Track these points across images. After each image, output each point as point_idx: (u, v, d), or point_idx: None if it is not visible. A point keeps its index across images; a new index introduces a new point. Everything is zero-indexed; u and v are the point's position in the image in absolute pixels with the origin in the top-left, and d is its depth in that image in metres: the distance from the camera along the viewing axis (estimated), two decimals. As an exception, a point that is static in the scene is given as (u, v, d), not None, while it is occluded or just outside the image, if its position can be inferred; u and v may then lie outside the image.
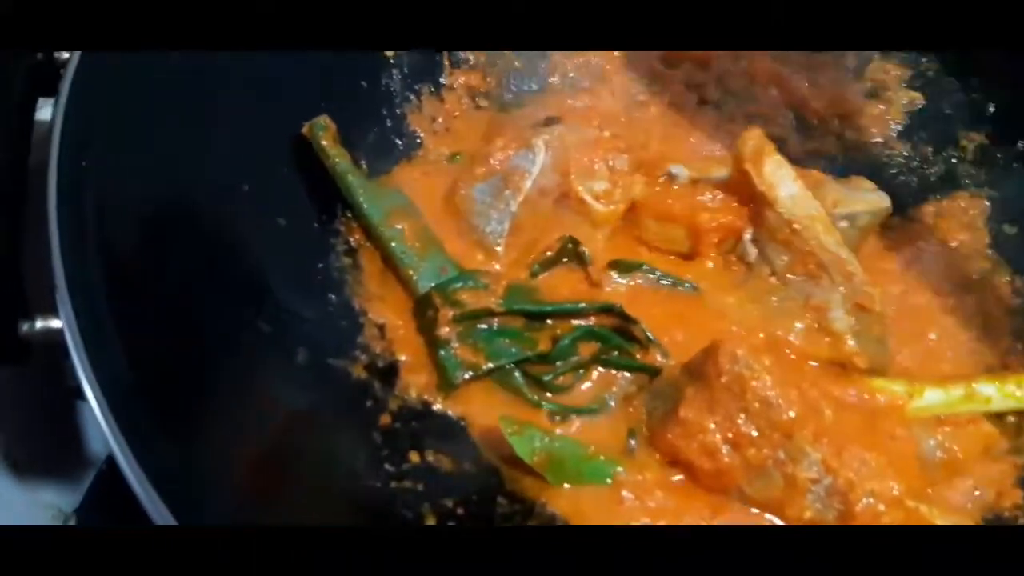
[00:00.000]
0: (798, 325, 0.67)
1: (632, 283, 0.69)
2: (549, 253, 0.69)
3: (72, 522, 0.78)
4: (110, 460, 0.73)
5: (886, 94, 0.83)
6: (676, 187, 0.72)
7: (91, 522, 0.67)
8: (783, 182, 0.66)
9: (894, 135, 0.82)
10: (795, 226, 0.66)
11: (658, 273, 0.70)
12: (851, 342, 0.66)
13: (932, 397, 0.63)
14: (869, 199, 0.71)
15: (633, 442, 0.62)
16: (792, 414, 0.58)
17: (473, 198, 0.71)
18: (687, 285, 0.69)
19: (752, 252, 0.69)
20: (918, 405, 0.63)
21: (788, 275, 0.68)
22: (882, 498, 0.58)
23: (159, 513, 0.42)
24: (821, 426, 0.58)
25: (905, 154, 0.81)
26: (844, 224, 0.68)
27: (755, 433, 0.58)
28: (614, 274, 0.69)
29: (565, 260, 0.70)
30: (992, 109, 0.79)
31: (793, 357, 0.65)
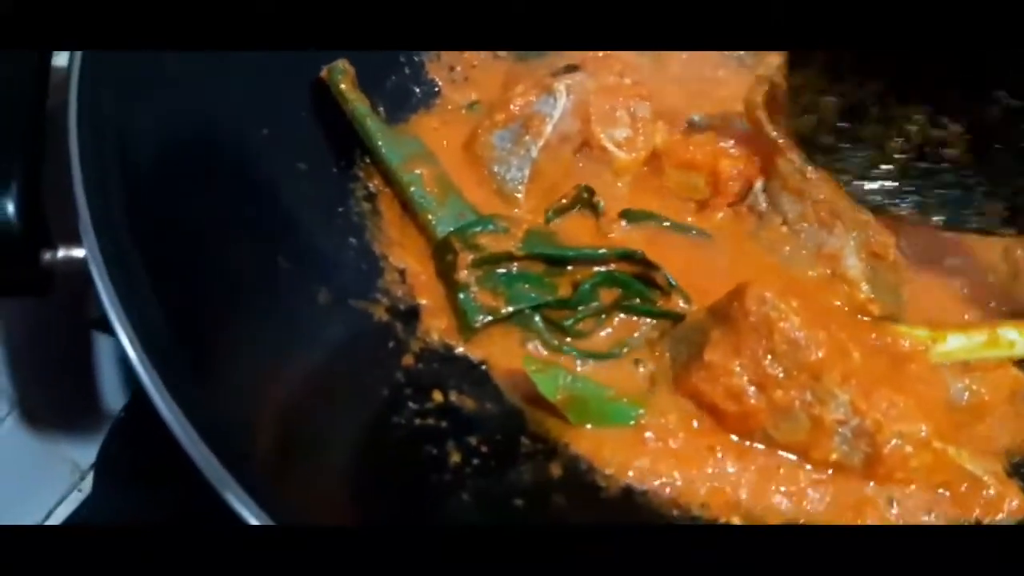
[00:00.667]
0: (811, 273, 0.67)
1: (646, 231, 0.69)
2: (564, 200, 0.69)
3: (87, 479, 0.78)
4: (126, 410, 0.74)
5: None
6: (697, 135, 0.72)
7: (108, 475, 0.66)
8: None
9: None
10: (807, 174, 0.66)
11: (670, 222, 0.69)
12: (865, 288, 0.65)
13: (955, 342, 0.63)
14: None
15: (656, 387, 0.61)
16: (820, 355, 0.57)
17: (493, 145, 0.70)
18: (699, 233, 0.69)
19: (763, 201, 0.69)
20: (941, 350, 0.62)
21: (801, 224, 0.67)
22: (910, 440, 0.57)
23: (190, 440, 0.41)
24: (849, 368, 0.58)
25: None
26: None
27: (782, 375, 0.57)
28: (624, 223, 0.69)
29: (578, 208, 0.69)
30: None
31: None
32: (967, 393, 0.62)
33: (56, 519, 0.77)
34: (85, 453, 0.76)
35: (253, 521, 0.40)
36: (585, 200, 0.69)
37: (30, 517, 0.77)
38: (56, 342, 0.71)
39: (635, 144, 0.72)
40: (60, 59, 0.55)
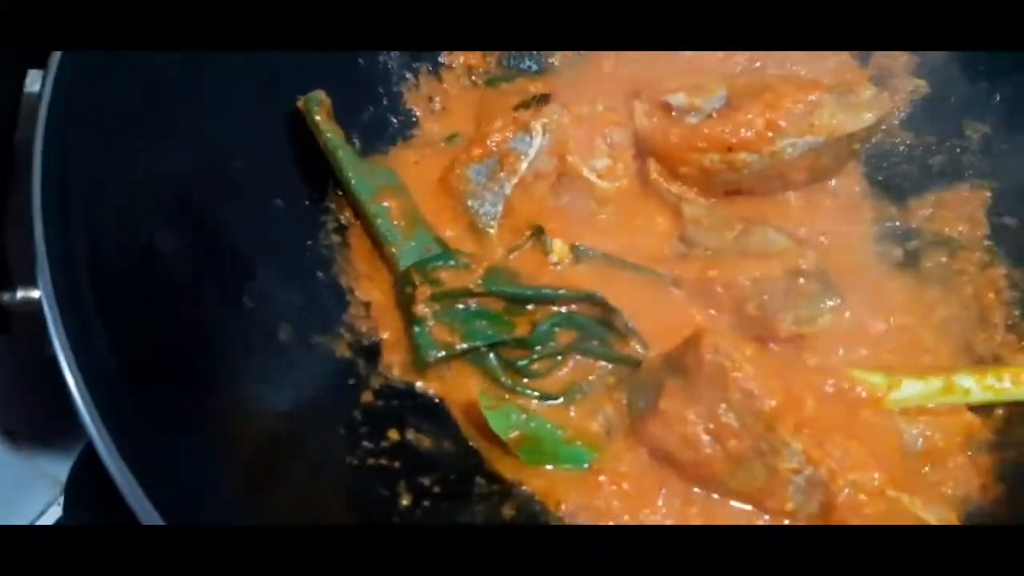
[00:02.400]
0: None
1: (597, 268, 0.69)
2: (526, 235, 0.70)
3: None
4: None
5: (892, 81, 0.82)
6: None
7: (79, 496, 0.67)
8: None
9: (897, 123, 0.80)
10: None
11: (623, 261, 0.69)
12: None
13: (911, 389, 0.63)
14: (865, 118, 0.71)
15: (611, 433, 0.62)
16: (773, 404, 0.57)
17: (468, 178, 0.70)
18: (650, 272, 0.69)
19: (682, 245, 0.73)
20: (897, 396, 0.62)
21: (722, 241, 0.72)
22: (863, 488, 0.57)
23: (134, 497, 0.42)
24: (803, 417, 0.58)
25: (908, 143, 0.79)
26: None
27: (736, 424, 0.58)
28: (573, 258, 0.69)
29: (531, 243, 0.70)
30: (998, 99, 0.78)
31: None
32: (921, 439, 0.62)
33: (36, 531, 0.79)
34: (66, 469, 0.77)
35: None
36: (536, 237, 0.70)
37: (10, 529, 0.79)
38: (31, 370, 0.72)
39: (615, 172, 0.73)
40: (33, 85, 0.55)
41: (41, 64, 0.53)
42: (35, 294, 0.47)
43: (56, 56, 0.53)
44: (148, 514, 0.41)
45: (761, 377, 0.58)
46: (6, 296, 0.49)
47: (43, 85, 0.52)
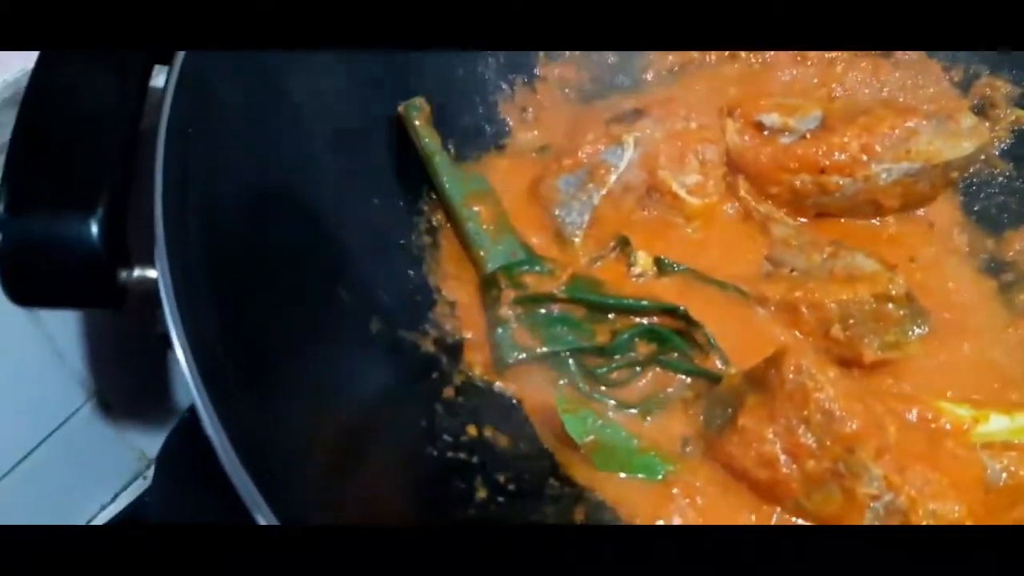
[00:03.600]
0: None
1: (679, 282, 0.70)
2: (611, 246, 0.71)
3: (151, 468, 0.83)
4: (192, 410, 0.78)
5: (993, 111, 0.80)
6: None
7: (168, 470, 0.71)
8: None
9: (997, 153, 0.79)
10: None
11: (705, 277, 0.69)
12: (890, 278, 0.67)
13: (998, 423, 0.61)
14: (964, 147, 0.71)
15: (688, 448, 0.62)
16: (854, 427, 0.57)
17: (557, 188, 0.72)
18: (735, 289, 0.69)
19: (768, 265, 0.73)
20: (983, 430, 0.61)
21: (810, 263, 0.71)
22: (943, 519, 0.56)
23: (231, 464, 0.44)
24: (884, 442, 0.57)
25: (1007, 174, 0.78)
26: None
27: (815, 445, 0.57)
28: (655, 271, 0.70)
29: (615, 254, 0.71)
30: (1103, 134, 0.76)
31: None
32: (1005, 474, 0.61)
33: (120, 503, 0.83)
34: (153, 444, 0.80)
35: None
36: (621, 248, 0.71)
37: (96, 499, 0.83)
38: (135, 339, 0.76)
39: (706, 189, 0.73)
40: (157, 80, 0.59)
41: (166, 61, 0.58)
42: (152, 273, 0.51)
43: (180, 55, 0.57)
44: (243, 483, 0.44)
45: (843, 399, 0.57)
46: (123, 274, 0.52)
47: (167, 80, 0.56)
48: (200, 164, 0.54)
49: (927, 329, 0.66)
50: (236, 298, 0.52)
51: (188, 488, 0.71)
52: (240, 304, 0.52)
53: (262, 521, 0.43)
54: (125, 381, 0.79)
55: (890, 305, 0.66)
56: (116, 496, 0.84)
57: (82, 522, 0.82)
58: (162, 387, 0.81)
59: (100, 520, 0.82)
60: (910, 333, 0.66)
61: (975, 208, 0.77)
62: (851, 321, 0.66)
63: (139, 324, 0.72)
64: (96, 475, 0.82)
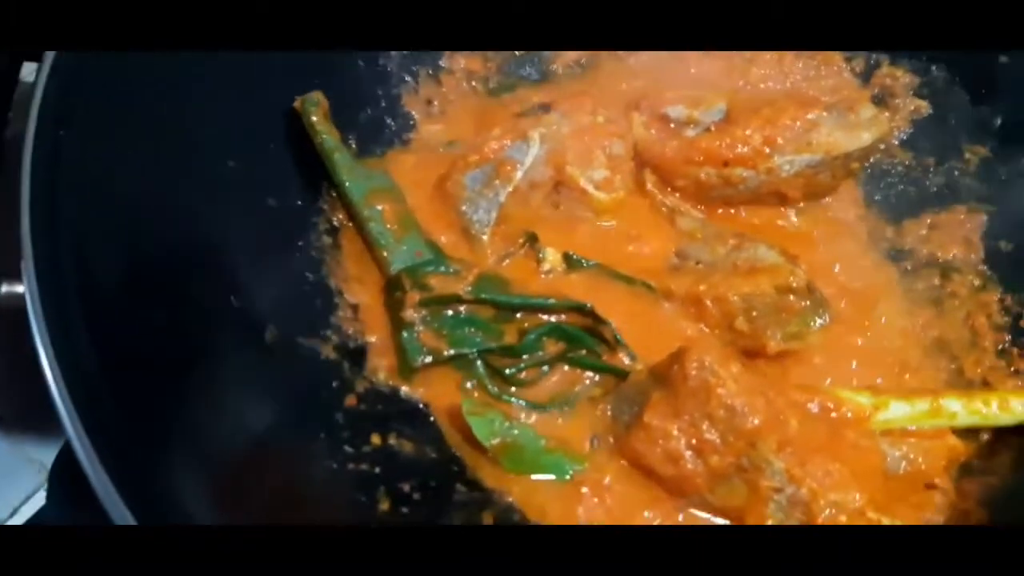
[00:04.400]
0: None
1: (588, 278, 0.69)
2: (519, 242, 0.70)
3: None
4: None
5: (893, 100, 0.81)
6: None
7: (63, 485, 0.67)
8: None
9: (896, 143, 0.80)
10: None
11: (613, 272, 0.69)
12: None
13: (897, 410, 0.62)
14: (863, 138, 0.71)
15: (595, 442, 0.62)
16: (756, 422, 0.57)
17: (464, 185, 0.70)
18: (642, 285, 0.68)
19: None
20: (883, 417, 0.62)
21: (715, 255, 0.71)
22: (844, 509, 0.57)
23: (108, 497, 0.42)
24: (786, 436, 0.57)
25: (907, 163, 0.79)
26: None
27: (718, 440, 0.57)
28: (564, 267, 0.69)
29: (524, 251, 0.70)
30: (999, 122, 0.77)
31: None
32: (904, 462, 0.62)
33: (21, 516, 0.79)
34: (52, 455, 0.77)
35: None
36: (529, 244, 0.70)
37: (-6, 513, 0.79)
38: (21, 351, 0.72)
39: (613, 184, 0.72)
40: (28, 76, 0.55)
41: (36, 58, 0.53)
42: (19, 288, 0.48)
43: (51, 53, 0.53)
44: (122, 515, 0.41)
45: (745, 394, 0.57)
46: (-10, 289, 0.49)
47: (37, 79, 0.52)
48: (72, 170, 0.51)
49: (828, 319, 0.67)
50: (113, 312, 0.49)
51: (82, 503, 0.67)
52: (117, 317, 0.49)
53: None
54: (15, 394, 0.75)
55: (791, 296, 0.66)
56: (16, 510, 0.80)
57: (-22, 538, 0.78)
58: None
59: (-2, 536, 0.78)
60: (812, 324, 0.66)
61: (876, 197, 0.78)
62: (754, 313, 0.66)
63: (16, 338, 0.68)
64: (-7, 488, 0.78)
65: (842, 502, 0.57)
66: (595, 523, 0.59)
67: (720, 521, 0.59)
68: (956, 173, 0.78)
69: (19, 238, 0.47)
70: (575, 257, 0.69)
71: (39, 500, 0.80)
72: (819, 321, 0.66)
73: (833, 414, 0.62)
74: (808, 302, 0.66)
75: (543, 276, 0.68)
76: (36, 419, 0.78)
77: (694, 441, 0.58)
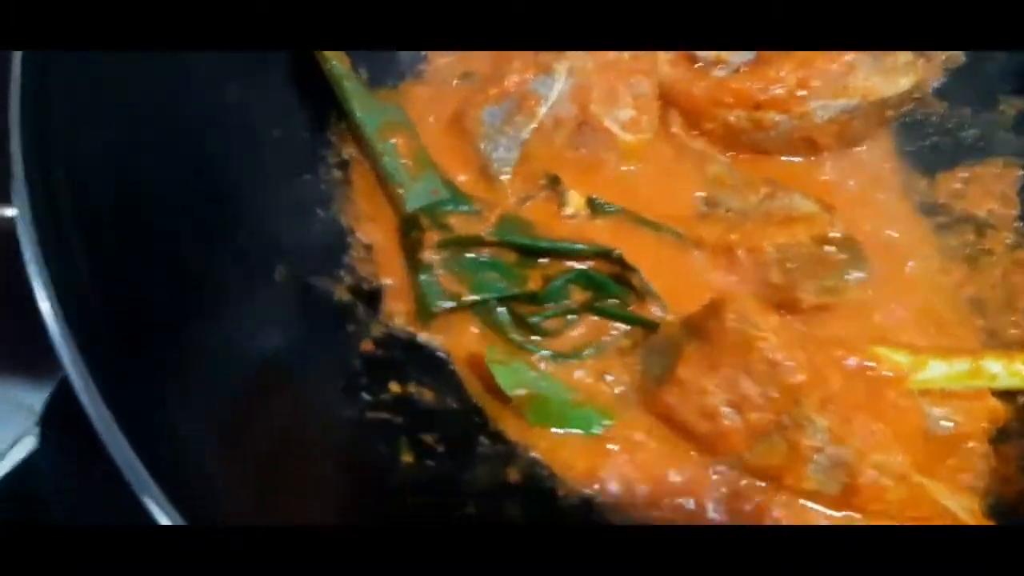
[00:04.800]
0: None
1: (612, 224, 0.64)
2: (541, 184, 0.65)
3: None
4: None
5: (928, 50, 0.77)
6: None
7: (54, 430, 0.63)
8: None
9: (931, 93, 0.76)
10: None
11: (640, 217, 0.65)
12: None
13: (936, 369, 0.59)
14: (900, 84, 0.68)
15: (625, 399, 0.58)
16: (799, 378, 0.54)
17: (482, 121, 0.65)
18: (671, 231, 0.64)
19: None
20: (922, 377, 0.59)
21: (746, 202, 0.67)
22: (888, 471, 0.54)
23: (114, 442, 0.38)
24: (828, 393, 0.54)
25: (941, 113, 0.75)
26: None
27: (758, 396, 0.54)
28: (587, 212, 0.65)
29: (545, 194, 0.65)
30: (1037, 74, 0.74)
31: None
32: (945, 424, 0.59)
33: (8, 462, 0.75)
34: (41, 398, 0.72)
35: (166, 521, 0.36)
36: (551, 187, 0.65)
37: (-19, 459, 0.74)
38: (7, 288, 0.67)
39: (640, 125, 0.67)
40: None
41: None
42: (8, 212, 0.42)
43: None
44: (124, 455, 0.37)
45: (787, 348, 0.54)
46: (-25, 212, 0.44)
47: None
48: (64, 89, 0.46)
49: (866, 273, 0.63)
50: (111, 242, 0.44)
51: (74, 450, 0.63)
52: (116, 248, 0.44)
53: (151, 506, 0.36)
54: (2, 331, 0.70)
55: (829, 248, 0.63)
56: (3, 454, 0.76)
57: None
58: (42, 338, 0.72)
59: (-12, 480, 0.74)
60: (848, 277, 0.63)
61: (908, 149, 0.75)
62: (789, 265, 0.63)
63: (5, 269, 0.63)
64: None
65: (886, 463, 0.54)
66: (623, 480, 0.55)
67: (746, 481, 0.56)
68: (992, 125, 0.74)
69: (8, 157, 0.42)
70: (599, 201, 0.65)
71: (27, 444, 0.75)
72: (857, 275, 0.63)
73: (870, 373, 0.59)
74: (846, 255, 0.63)
75: (566, 220, 0.64)
76: (25, 360, 0.73)
77: (732, 397, 0.54)
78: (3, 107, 0.43)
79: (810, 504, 0.56)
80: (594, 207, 0.65)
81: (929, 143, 0.74)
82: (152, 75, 0.50)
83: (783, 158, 0.72)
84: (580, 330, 0.60)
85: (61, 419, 0.68)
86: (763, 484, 0.56)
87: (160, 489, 0.36)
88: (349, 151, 0.64)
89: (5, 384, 0.73)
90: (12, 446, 0.76)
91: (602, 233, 0.63)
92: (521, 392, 0.55)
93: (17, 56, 0.44)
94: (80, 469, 0.62)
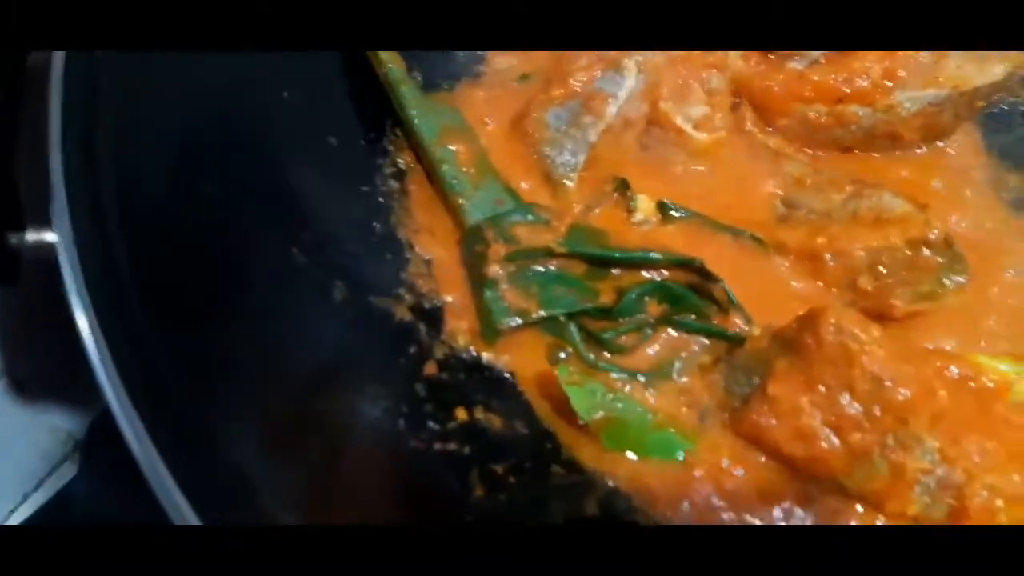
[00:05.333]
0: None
1: (687, 230, 0.60)
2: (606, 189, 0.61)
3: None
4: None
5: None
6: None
7: (95, 459, 0.59)
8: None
9: (1018, 80, 0.70)
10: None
11: (716, 223, 0.60)
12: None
13: (1044, 378, 0.54)
14: (995, 72, 0.62)
15: (708, 422, 0.54)
16: (907, 394, 0.49)
17: (546, 124, 0.61)
18: (750, 236, 0.60)
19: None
20: (1024, 388, 0.53)
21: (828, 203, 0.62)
22: (1001, 493, 0.49)
23: (161, 487, 0.34)
24: (938, 410, 0.49)
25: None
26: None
27: (862, 416, 0.49)
28: (658, 217, 0.60)
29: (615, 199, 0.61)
30: None
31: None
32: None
33: (48, 491, 0.72)
34: (79, 424, 0.69)
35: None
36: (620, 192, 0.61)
37: (19, 487, 0.72)
38: (47, 308, 0.64)
39: (713, 122, 0.63)
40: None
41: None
42: (49, 237, 0.39)
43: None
44: (167, 492, 0.33)
45: (892, 362, 0.49)
46: (14, 239, 0.40)
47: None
48: (110, 99, 0.42)
49: (966, 278, 0.58)
50: (160, 263, 0.41)
51: (116, 480, 0.60)
52: (165, 270, 0.41)
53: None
54: (38, 357, 0.67)
55: (926, 251, 0.58)
56: (41, 483, 0.73)
57: (3, 514, 0.71)
58: (82, 364, 0.69)
59: (24, 510, 0.71)
60: (947, 282, 0.58)
61: (995, 142, 0.69)
62: (881, 269, 0.58)
63: (43, 292, 0.60)
64: (15, 462, 0.71)
65: (999, 485, 0.49)
66: (711, 510, 0.51)
67: (856, 508, 0.51)
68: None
69: (47, 177, 0.39)
70: (671, 205, 0.60)
71: (66, 471, 0.72)
72: (956, 280, 0.58)
73: (972, 383, 0.54)
74: (945, 258, 0.58)
75: (636, 228, 0.59)
76: (61, 385, 0.70)
77: (831, 417, 0.49)
78: (42, 122, 0.40)
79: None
80: (665, 212, 0.60)
81: (1017, 135, 0.69)
82: (204, 84, 0.47)
83: (862, 153, 0.67)
84: (656, 347, 0.56)
85: (103, 447, 0.65)
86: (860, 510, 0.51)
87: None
88: (405, 160, 0.60)
89: (40, 409, 0.70)
90: (49, 473, 0.73)
91: (675, 240, 0.58)
92: (598, 416, 0.50)
93: (59, 58, 0.41)
94: (120, 500, 0.59)
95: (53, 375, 0.69)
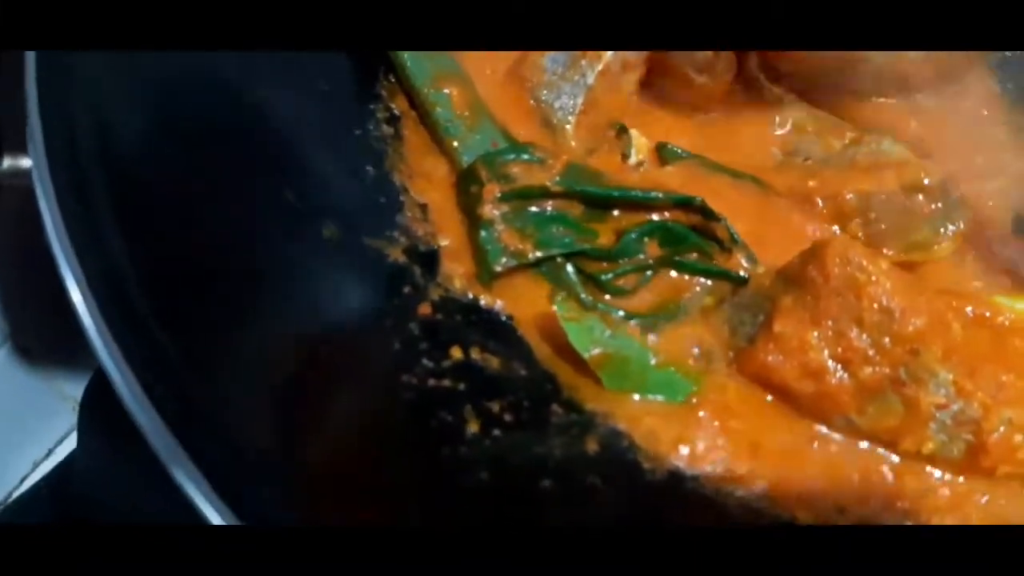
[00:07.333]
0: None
1: (687, 172, 0.57)
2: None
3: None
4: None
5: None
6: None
7: (93, 419, 0.58)
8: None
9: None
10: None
11: (718, 165, 0.58)
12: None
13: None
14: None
15: (712, 363, 0.51)
16: (919, 325, 0.46)
17: (543, 67, 0.59)
18: (750, 178, 0.57)
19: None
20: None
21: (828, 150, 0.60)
22: (1021, 428, 0.46)
23: (152, 425, 0.32)
24: (951, 342, 0.46)
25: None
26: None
27: (871, 348, 0.46)
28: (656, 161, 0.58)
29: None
30: None
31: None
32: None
33: (57, 457, 0.71)
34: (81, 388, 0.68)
35: (217, 520, 0.31)
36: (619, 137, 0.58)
37: (28, 456, 0.70)
38: (45, 269, 0.63)
39: (716, 67, 0.60)
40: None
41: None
42: (26, 162, 0.37)
43: None
44: (167, 446, 0.31)
45: (902, 292, 0.46)
46: (-8, 164, 0.39)
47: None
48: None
49: (962, 225, 0.55)
50: (143, 198, 0.39)
51: (116, 440, 0.58)
52: (149, 206, 0.39)
53: (196, 499, 0.30)
54: (44, 322, 0.66)
55: (920, 197, 0.55)
56: (51, 451, 0.72)
57: (14, 482, 0.70)
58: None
59: (34, 478, 0.70)
60: (943, 230, 0.55)
61: (1009, 86, 0.66)
62: (873, 215, 0.55)
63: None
64: (24, 430, 0.70)
65: (1018, 419, 0.46)
66: (716, 452, 0.48)
67: (865, 445, 0.48)
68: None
69: (24, 99, 0.37)
70: (669, 147, 0.57)
71: (73, 441, 0.71)
72: (951, 228, 0.55)
73: (987, 320, 0.51)
74: (940, 204, 0.55)
75: (634, 170, 0.57)
76: (67, 350, 0.68)
77: (840, 350, 0.47)
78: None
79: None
80: (664, 154, 0.57)
81: (1033, 81, 0.66)
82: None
83: (870, 103, 0.64)
84: (658, 288, 0.53)
85: (101, 409, 0.63)
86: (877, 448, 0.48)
87: (208, 482, 0.31)
88: (399, 105, 0.57)
89: (48, 376, 0.69)
90: (59, 443, 0.72)
91: (673, 181, 0.56)
92: (596, 352, 0.48)
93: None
94: (121, 463, 0.58)
95: (59, 340, 0.68)
